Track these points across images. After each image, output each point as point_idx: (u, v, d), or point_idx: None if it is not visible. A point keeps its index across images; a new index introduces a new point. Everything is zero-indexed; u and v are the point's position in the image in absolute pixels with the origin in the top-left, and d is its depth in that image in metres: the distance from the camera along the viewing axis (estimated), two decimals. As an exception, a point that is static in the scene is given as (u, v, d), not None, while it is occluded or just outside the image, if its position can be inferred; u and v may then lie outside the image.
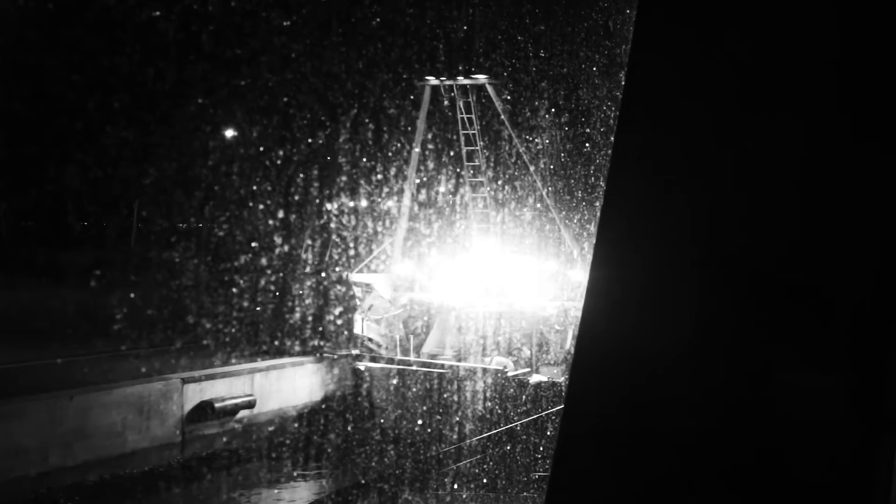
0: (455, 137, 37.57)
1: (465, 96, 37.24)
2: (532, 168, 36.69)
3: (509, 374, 33.30)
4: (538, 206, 37.06)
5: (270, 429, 31.13)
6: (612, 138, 2.40)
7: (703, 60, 2.34)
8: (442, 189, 38.65)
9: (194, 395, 28.54)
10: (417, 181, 38.35)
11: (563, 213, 36.65)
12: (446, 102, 37.28)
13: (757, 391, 2.18)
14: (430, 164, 38.46)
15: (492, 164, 37.93)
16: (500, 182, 37.78)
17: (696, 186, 2.27)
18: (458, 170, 37.85)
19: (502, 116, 37.00)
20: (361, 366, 34.50)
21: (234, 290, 36.51)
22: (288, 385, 32.62)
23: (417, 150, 37.61)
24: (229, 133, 41.98)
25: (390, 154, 35.92)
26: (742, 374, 2.17)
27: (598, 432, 2.26)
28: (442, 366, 33.79)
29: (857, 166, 2.21)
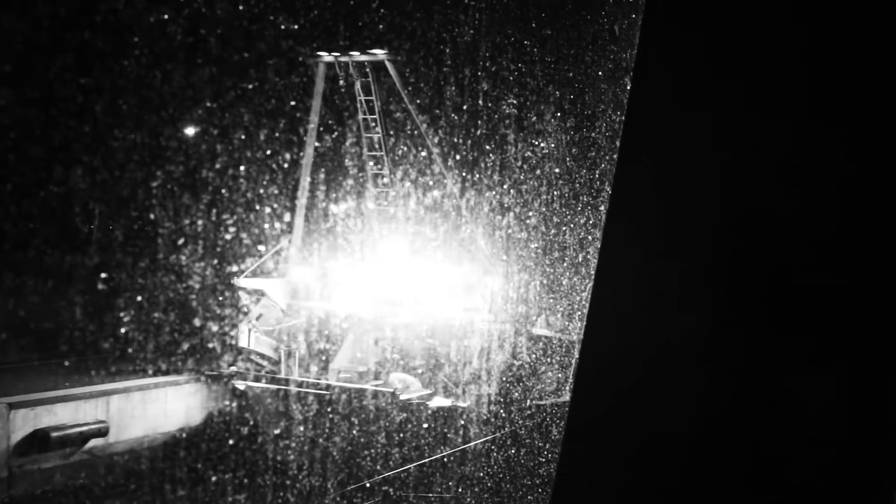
0: (352, 123, 33.54)
1: (364, 75, 32.52)
2: (440, 160, 32.27)
3: (402, 396, 28.55)
4: (449, 203, 32.69)
5: (127, 459, 26.84)
6: (618, 142, 2.42)
7: (709, 64, 2.36)
8: (343, 184, 34.24)
9: (25, 422, 24.24)
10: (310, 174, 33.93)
11: (477, 211, 32.50)
12: (342, 83, 32.98)
13: (762, 393, 2.20)
14: (329, 155, 34.48)
15: (397, 154, 33.55)
16: (406, 175, 33.47)
17: (700, 189, 2.29)
18: (359, 160, 33.70)
19: (403, 97, 32.35)
20: (241, 385, 29.99)
21: (117, 297, 32.21)
22: (157, 408, 28.26)
23: (313, 138, 33.66)
24: (189, 131, 39.73)
25: (396, 158, 34.94)
26: (747, 376, 2.19)
27: (603, 433, 2.28)
28: (326, 386, 29.32)
29: (861, 168, 2.23)
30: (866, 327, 2.15)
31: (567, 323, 32.19)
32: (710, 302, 2.20)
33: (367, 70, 32.63)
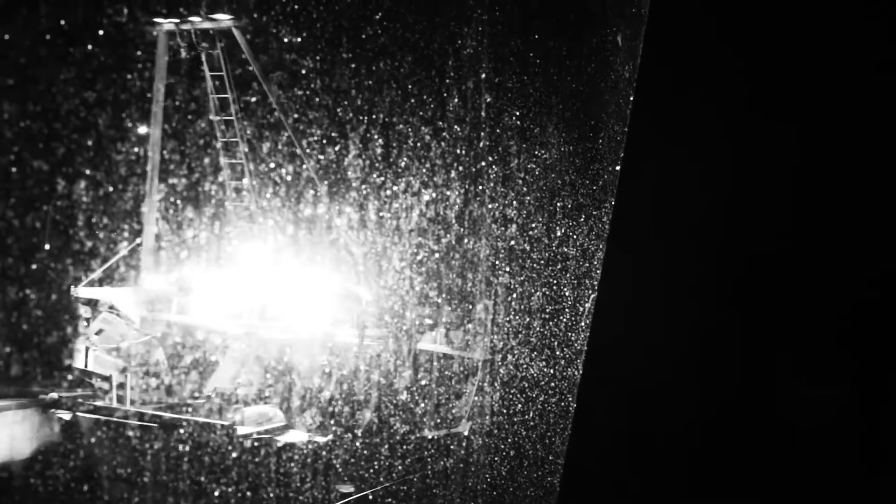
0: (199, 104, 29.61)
1: (212, 46, 28.60)
2: (301, 149, 28.33)
3: (241, 430, 23.79)
4: (316, 197, 28.86)
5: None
6: (622, 154, 2.45)
7: (709, 74, 2.39)
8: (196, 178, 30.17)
9: None
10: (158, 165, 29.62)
11: (347, 208, 28.72)
12: (183, 54, 29.17)
13: (765, 398, 2.22)
14: (178, 142, 30.36)
15: (254, 141, 29.41)
16: (265, 168, 29.51)
17: (704, 199, 2.32)
18: (212, 148, 29.79)
19: (255, 70, 28.30)
20: (65, 415, 25.48)
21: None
22: (-33, 439, 24.10)
23: (158, 124, 29.59)
24: (145, 129, 37.19)
25: (399, 170, 34.16)
26: (751, 381, 2.21)
27: (608, 435, 2.30)
28: (151, 418, 24.49)
29: (864, 175, 2.26)
30: (867, 333, 2.17)
31: (471, 339, 28.69)
32: (714, 306, 2.22)
33: (215, 40, 28.51)
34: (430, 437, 26.45)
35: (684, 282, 2.24)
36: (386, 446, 25.47)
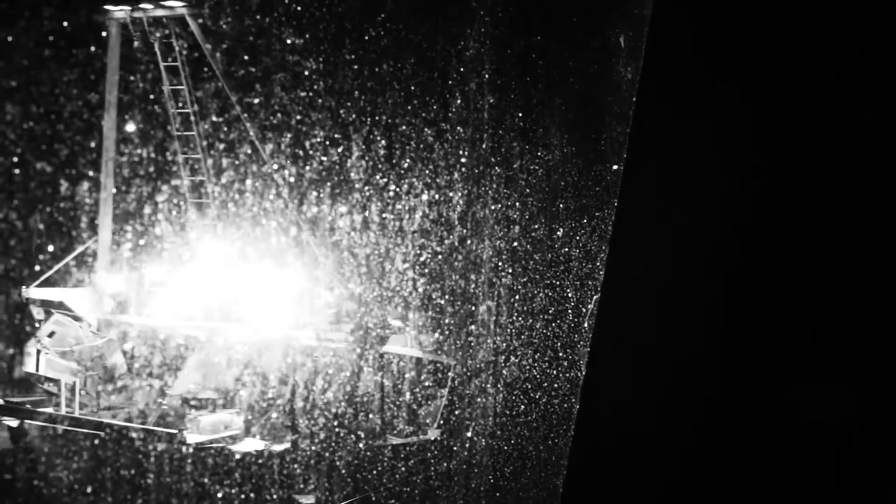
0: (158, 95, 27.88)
1: (166, 35, 27.04)
2: (258, 142, 26.72)
3: (190, 438, 22.02)
4: (275, 195, 27.16)
5: None
6: (625, 155, 2.44)
7: (711, 76, 2.38)
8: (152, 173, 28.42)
9: None
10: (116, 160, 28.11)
11: (307, 203, 27.12)
12: (136, 43, 27.40)
13: (771, 400, 2.21)
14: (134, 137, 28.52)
15: (211, 135, 27.93)
16: (221, 161, 27.86)
17: (708, 200, 2.31)
18: (169, 142, 28.18)
19: (211, 60, 26.66)
20: (12, 422, 23.89)
21: None
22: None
23: (112, 117, 28.04)
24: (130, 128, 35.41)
25: (402, 171, 33.92)
26: (755, 382, 2.20)
27: (611, 436, 2.29)
28: (97, 426, 22.86)
29: (862, 180, 2.25)
30: (868, 335, 2.16)
31: (441, 341, 27.16)
32: (718, 308, 2.21)
33: (168, 28, 26.97)
34: (395, 443, 24.94)
35: (688, 283, 2.23)
36: (346, 453, 24.20)
